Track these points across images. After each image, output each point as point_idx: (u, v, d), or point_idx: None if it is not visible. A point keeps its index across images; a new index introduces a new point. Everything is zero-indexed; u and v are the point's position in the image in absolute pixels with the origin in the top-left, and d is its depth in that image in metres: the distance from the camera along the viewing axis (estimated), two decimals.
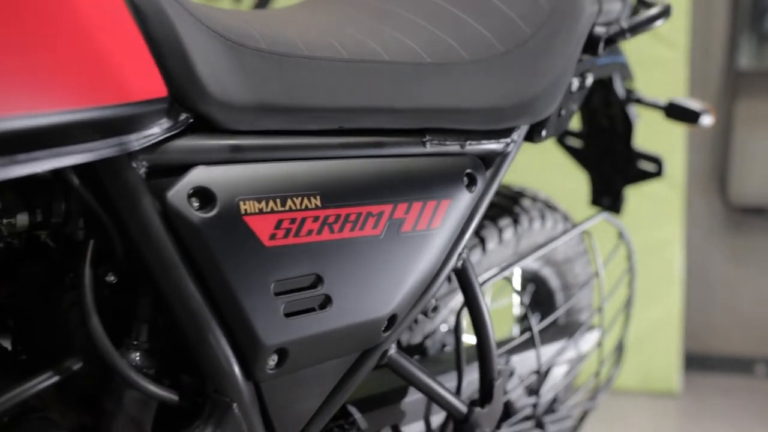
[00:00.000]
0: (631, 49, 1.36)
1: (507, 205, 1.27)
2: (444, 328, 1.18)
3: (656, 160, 1.40)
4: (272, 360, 0.66)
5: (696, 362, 2.59)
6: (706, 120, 1.32)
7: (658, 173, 1.42)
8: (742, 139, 2.56)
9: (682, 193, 2.38)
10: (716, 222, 2.63)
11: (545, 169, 1.96)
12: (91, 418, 0.65)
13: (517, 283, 1.28)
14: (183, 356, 0.65)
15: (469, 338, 1.07)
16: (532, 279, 1.37)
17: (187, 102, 0.60)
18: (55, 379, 0.60)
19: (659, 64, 2.22)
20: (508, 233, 1.20)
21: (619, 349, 1.40)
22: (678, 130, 2.23)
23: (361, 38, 0.76)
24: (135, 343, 0.63)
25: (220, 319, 0.63)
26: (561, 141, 1.48)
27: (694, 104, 1.33)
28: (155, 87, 0.57)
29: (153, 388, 0.62)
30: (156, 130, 0.58)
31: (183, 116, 0.60)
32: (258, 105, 0.64)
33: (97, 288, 0.61)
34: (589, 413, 1.38)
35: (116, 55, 0.54)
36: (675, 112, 1.32)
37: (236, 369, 0.64)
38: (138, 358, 0.63)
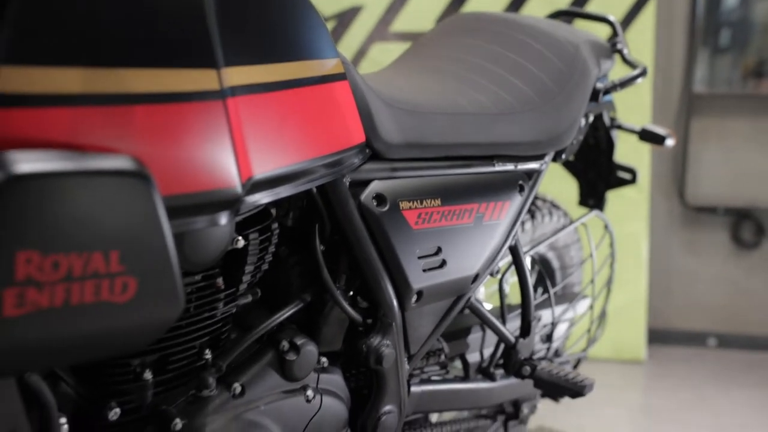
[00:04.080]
0: (611, 75, 1.59)
1: None
2: None
3: (631, 171, 1.71)
4: (414, 298, 1.06)
5: (658, 336, 2.82)
6: (670, 142, 1.65)
7: (633, 180, 1.72)
8: (697, 151, 2.78)
9: (647, 195, 2.60)
10: (675, 219, 2.84)
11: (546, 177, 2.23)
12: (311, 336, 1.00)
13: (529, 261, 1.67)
14: (365, 294, 1.05)
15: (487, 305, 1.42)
16: (539, 260, 1.76)
17: (370, 143, 0.98)
18: (297, 308, 0.98)
19: (629, 89, 2.56)
20: (528, 225, 1.58)
21: (603, 314, 1.77)
22: (645, 146, 2.46)
23: (453, 97, 1.16)
24: (338, 285, 1.02)
25: (388, 271, 1.02)
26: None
27: (660, 130, 1.65)
28: (360, 136, 0.94)
29: (350, 311, 1.02)
30: (356, 161, 0.95)
31: (367, 151, 0.99)
32: (404, 143, 1.04)
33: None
34: (582, 360, 1.78)
35: (350, 121, 0.92)
36: (646, 135, 1.64)
37: (395, 302, 1.04)
38: (341, 294, 1.01)
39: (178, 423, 0.84)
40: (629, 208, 2.57)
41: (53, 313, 0.57)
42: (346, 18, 2.74)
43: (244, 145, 0.73)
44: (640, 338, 2.66)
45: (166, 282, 0.63)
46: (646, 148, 2.54)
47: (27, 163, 0.55)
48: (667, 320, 2.87)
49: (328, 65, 0.87)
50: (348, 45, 2.73)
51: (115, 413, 0.81)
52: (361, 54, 2.73)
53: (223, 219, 0.73)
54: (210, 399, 0.88)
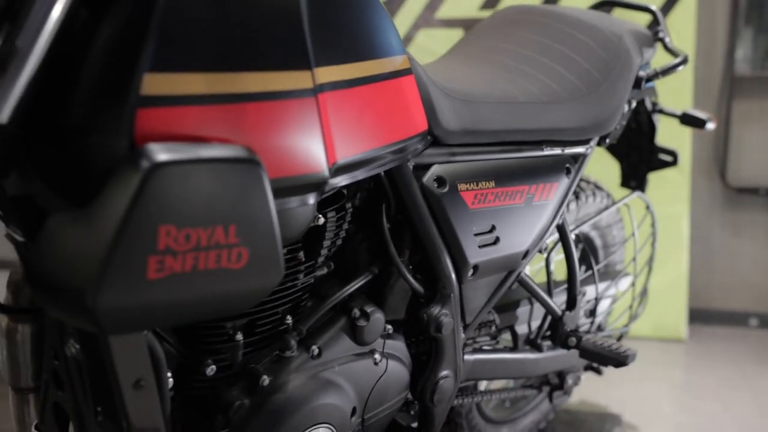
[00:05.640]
0: (653, 62, 1.65)
1: None
2: None
3: (673, 153, 1.78)
4: (470, 271, 1.16)
5: (700, 316, 2.85)
6: (710, 125, 1.71)
7: (674, 163, 1.78)
8: (739, 133, 2.81)
9: (689, 177, 2.66)
10: (716, 200, 2.88)
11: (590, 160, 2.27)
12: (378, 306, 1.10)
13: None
14: (426, 268, 1.15)
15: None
16: (583, 239, 1.84)
17: (431, 130, 1.08)
18: (366, 280, 1.09)
19: (670, 75, 2.61)
20: (573, 205, 1.66)
21: (644, 291, 1.83)
22: (687, 129, 2.44)
23: (505, 87, 1.26)
24: (402, 259, 1.12)
25: (447, 247, 1.12)
26: None
27: (701, 114, 1.72)
28: (423, 124, 1.04)
29: (413, 282, 1.12)
30: (420, 147, 1.06)
31: (428, 138, 1.09)
32: (462, 130, 1.13)
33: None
34: (624, 335, 1.86)
35: (415, 111, 1.02)
36: (687, 119, 1.72)
37: (453, 275, 1.14)
38: (405, 268, 1.11)
39: (266, 379, 0.96)
40: (671, 189, 2.62)
41: (185, 276, 0.69)
42: (393, 5, 2.83)
43: (330, 135, 0.84)
44: (681, 317, 2.71)
45: (271, 252, 0.75)
46: (687, 131, 2.58)
47: (165, 153, 0.67)
48: (709, 300, 2.91)
49: (397, 62, 0.97)
50: None
51: (211, 369, 0.93)
52: (407, 40, 2.82)
53: (312, 199, 0.84)
54: (292, 359, 0.99)
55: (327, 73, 0.84)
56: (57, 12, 0.67)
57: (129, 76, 0.69)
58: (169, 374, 0.88)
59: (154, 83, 0.69)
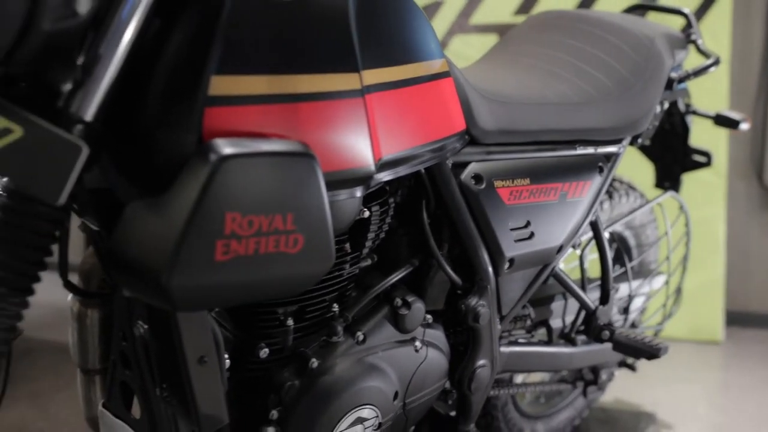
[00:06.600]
0: (687, 63, 1.69)
1: None
2: None
3: (706, 154, 1.80)
4: (507, 265, 1.22)
5: (737, 319, 2.77)
6: (744, 126, 1.73)
7: (708, 163, 1.80)
8: None
9: (724, 178, 2.62)
10: (754, 202, 2.83)
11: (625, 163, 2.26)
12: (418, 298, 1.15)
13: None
14: (464, 260, 1.20)
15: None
16: (616, 238, 1.87)
17: (468, 130, 1.14)
18: (407, 271, 1.15)
19: (706, 76, 2.58)
20: (606, 204, 1.70)
21: (679, 291, 1.86)
22: (723, 130, 2.49)
23: (539, 89, 1.31)
24: (441, 252, 1.18)
25: (484, 241, 1.18)
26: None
27: (735, 114, 1.74)
28: (461, 124, 1.11)
29: (452, 274, 1.18)
30: (458, 146, 1.12)
31: (466, 137, 1.15)
32: (497, 129, 1.19)
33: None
34: (657, 333, 1.89)
35: (453, 111, 1.08)
36: (721, 120, 1.74)
37: (490, 268, 1.20)
38: (444, 260, 1.17)
39: (314, 362, 1.03)
40: (706, 191, 2.62)
41: (247, 259, 0.76)
42: (428, 12, 2.90)
43: (376, 133, 0.91)
44: (718, 319, 2.69)
45: (324, 240, 0.82)
46: (724, 133, 2.57)
47: (231, 147, 0.74)
48: (746, 303, 2.86)
49: (436, 65, 1.04)
50: None
51: (264, 352, 1.00)
52: (442, 46, 2.87)
53: (359, 192, 0.91)
54: (339, 344, 1.06)
55: (373, 76, 0.91)
56: (134, 22, 0.75)
57: (198, 78, 0.76)
58: (226, 356, 0.95)
59: (221, 84, 0.77)
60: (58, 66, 0.71)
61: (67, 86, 0.73)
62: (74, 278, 1.02)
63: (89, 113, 0.74)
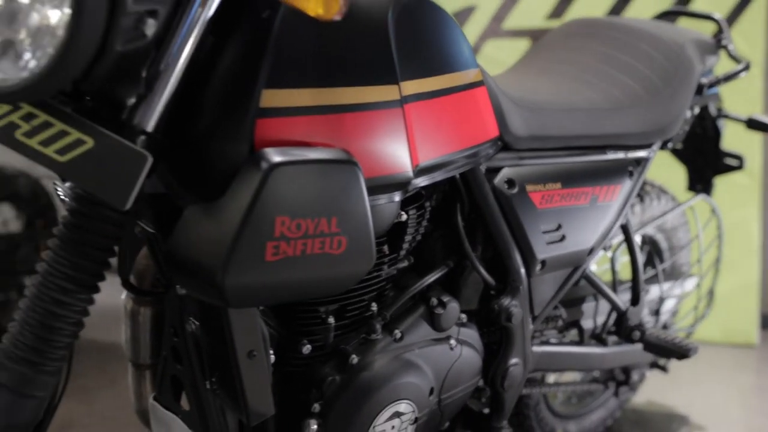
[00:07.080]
0: (719, 68, 1.72)
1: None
2: None
3: (738, 157, 1.82)
4: (539, 266, 1.25)
5: None
6: None
7: (740, 167, 1.83)
8: None
9: (759, 181, 2.63)
10: None
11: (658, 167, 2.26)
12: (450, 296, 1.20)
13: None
14: (497, 262, 1.25)
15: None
16: (648, 241, 1.85)
17: (501, 136, 1.19)
18: (442, 272, 1.20)
19: (740, 79, 2.59)
20: (638, 207, 1.72)
21: (711, 293, 1.87)
22: (757, 134, 2.41)
23: (568, 95, 1.35)
24: (475, 254, 1.23)
25: (517, 243, 1.22)
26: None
27: (767, 119, 1.81)
28: (494, 131, 1.15)
29: (486, 275, 1.23)
30: (491, 152, 1.17)
31: (499, 143, 1.20)
32: (529, 135, 1.23)
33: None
34: (690, 335, 1.91)
35: (487, 119, 1.13)
36: (753, 124, 1.74)
37: (522, 270, 1.24)
38: (478, 262, 1.22)
39: (354, 358, 1.08)
40: (741, 194, 2.62)
41: (295, 260, 0.82)
42: (460, 17, 2.94)
43: (414, 141, 0.96)
44: (752, 323, 2.69)
45: (366, 242, 0.87)
46: (758, 137, 2.57)
47: (280, 155, 0.80)
48: None
49: (471, 75, 1.08)
50: None
51: (307, 349, 1.06)
52: (475, 51, 2.91)
53: (397, 197, 0.96)
54: (377, 341, 1.11)
55: (411, 87, 0.96)
56: (191, 41, 0.81)
57: (250, 92, 0.83)
58: (271, 351, 1.01)
59: (271, 97, 0.83)
60: (124, 82, 0.78)
61: (131, 100, 0.79)
62: (111, 278, 1.08)
63: (150, 125, 0.80)
